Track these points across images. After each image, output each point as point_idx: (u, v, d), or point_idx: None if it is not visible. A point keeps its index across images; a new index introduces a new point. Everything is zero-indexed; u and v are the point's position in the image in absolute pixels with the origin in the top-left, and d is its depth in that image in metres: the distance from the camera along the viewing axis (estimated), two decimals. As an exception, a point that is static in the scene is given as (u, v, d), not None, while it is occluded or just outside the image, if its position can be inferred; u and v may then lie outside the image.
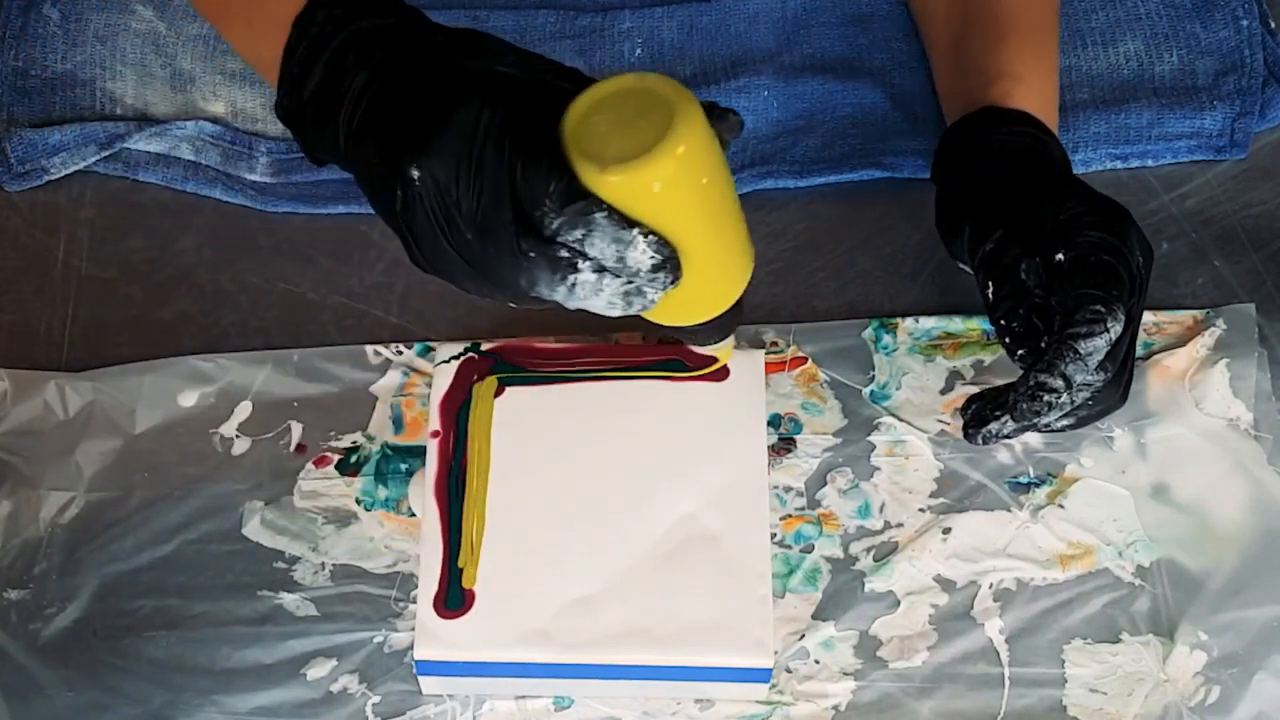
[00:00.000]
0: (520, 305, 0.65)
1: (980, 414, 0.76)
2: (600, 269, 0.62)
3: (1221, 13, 0.97)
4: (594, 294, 0.63)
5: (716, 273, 0.67)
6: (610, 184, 0.60)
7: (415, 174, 0.62)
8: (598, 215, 0.61)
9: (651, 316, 0.67)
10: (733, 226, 0.66)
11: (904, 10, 0.98)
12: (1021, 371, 0.75)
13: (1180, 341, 0.87)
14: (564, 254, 0.62)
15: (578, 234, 0.61)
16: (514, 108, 0.62)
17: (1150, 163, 0.94)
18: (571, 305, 0.64)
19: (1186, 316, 0.88)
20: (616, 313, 0.64)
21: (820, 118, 0.95)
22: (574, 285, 0.63)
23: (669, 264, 0.63)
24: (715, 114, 0.63)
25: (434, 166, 0.62)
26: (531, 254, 0.62)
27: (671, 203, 0.61)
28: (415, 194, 0.62)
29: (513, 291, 0.64)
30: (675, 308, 0.68)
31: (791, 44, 0.98)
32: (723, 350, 0.76)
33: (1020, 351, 0.77)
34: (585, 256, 0.62)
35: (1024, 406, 0.74)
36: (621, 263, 0.62)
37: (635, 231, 0.61)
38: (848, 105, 0.95)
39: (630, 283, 0.63)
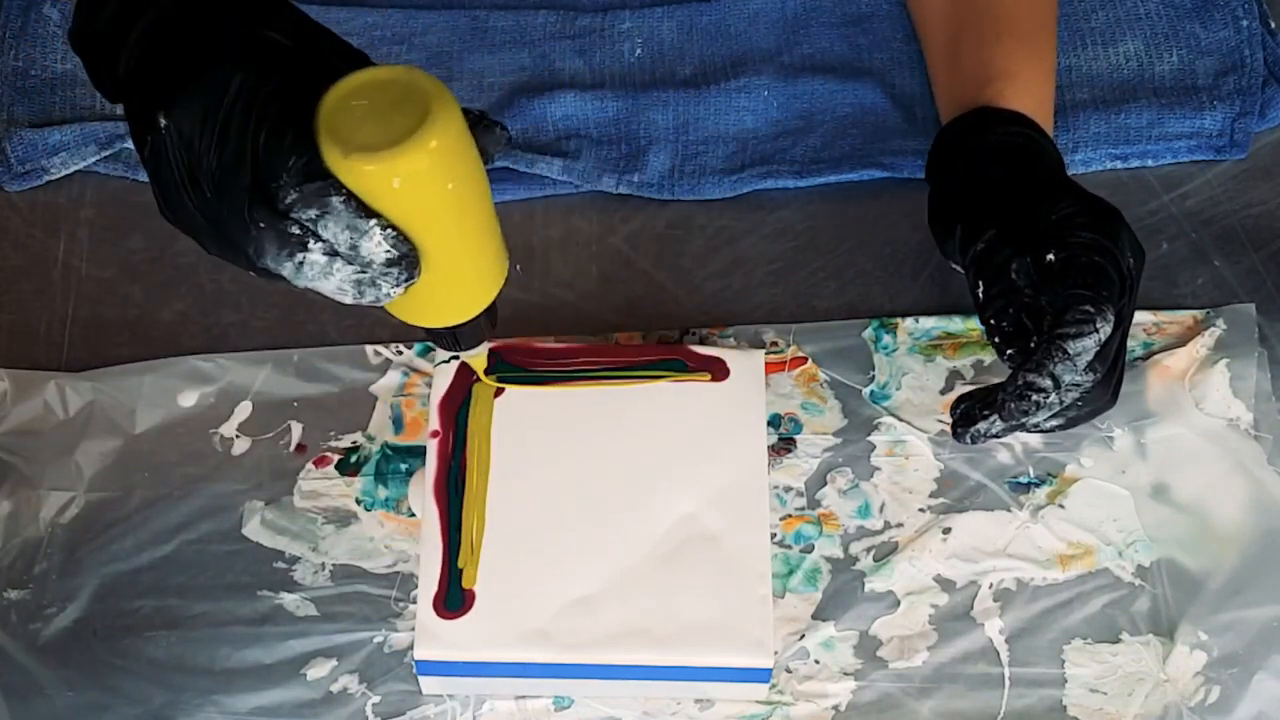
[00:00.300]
0: (257, 275, 0.64)
1: (969, 413, 0.76)
2: (332, 253, 0.61)
3: (1221, 13, 0.97)
4: (323, 276, 0.62)
5: (459, 279, 0.65)
6: (352, 170, 0.60)
7: (162, 122, 0.61)
8: (334, 199, 0.60)
9: (394, 312, 0.67)
10: (481, 236, 0.65)
11: (904, 10, 0.98)
12: (1011, 371, 0.75)
13: (1180, 341, 0.87)
14: (295, 230, 0.61)
15: (311, 213, 0.60)
16: (274, 76, 0.61)
17: (1150, 163, 0.94)
18: (300, 284, 0.63)
19: (1186, 316, 0.88)
20: (348, 300, 0.63)
21: (820, 118, 0.95)
22: (302, 263, 0.62)
23: (405, 261, 0.62)
24: (482, 124, 0.62)
25: (180, 118, 0.61)
26: (261, 224, 0.61)
27: (412, 200, 0.61)
28: (161, 143, 0.62)
29: (244, 259, 0.63)
30: (416, 307, 0.67)
31: (791, 44, 0.98)
32: (475, 360, 0.74)
33: (1010, 351, 0.77)
34: (318, 237, 0.61)
35: (1012, 406, 0.74)
36: (355, 251, 0.61)
37: (372, 222, 0.60)
38: (848, 105, 0.95)
39: (363, 272, 0.62)
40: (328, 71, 0.62)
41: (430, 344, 0.87)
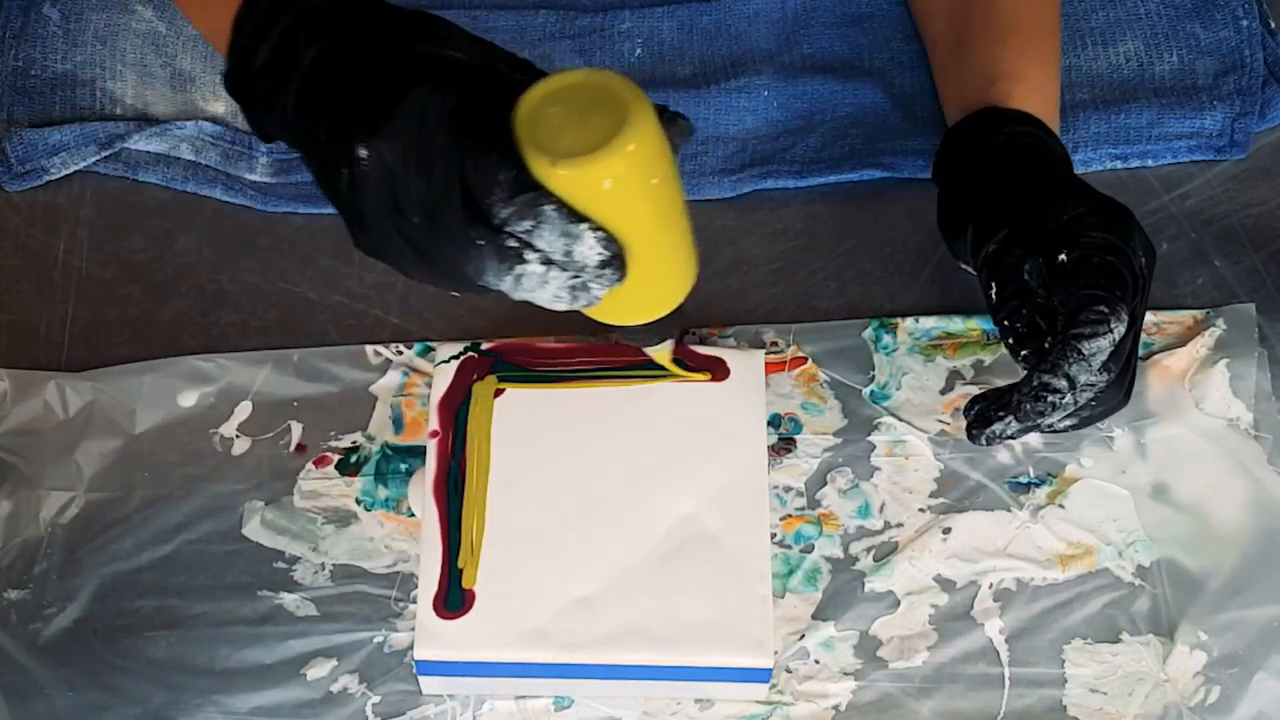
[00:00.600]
0: (464, 293, 0.65)
1: (984, 415, 0.76)
2: (547, 261, 0.62)
3: (1221, 13, 0.97)
4: (539, 286, 0.63)
5: (661, 274, 0.66)
6: (561, 177, 0.60)
7: (363, 154, 0.61)
8: (547, 208, 0.60)
9: (593, 314, 0.67)
10: (679, 230, 0.66)
11: (904, 10, 0.98)
12: (1024, 372, 0.75)
13: (1180, 341, 0.87)
14: (512, 244, 0.61)
15: (526, 225, 0.61)
16: (467, 94, 0.61)
17: (1150, 163, 0.94)
18: (516, 296, 0.63)
19: (1186, 316, 0.88)
20: (561, 307, 0.64)
21: (820, 118, 0.95)
22: (520, 276, 0.62)
23: (615, 261, 0.62)
24: (666, 116, 0.63)
25: (383, 148, 0.61)
26: (480, 242, 0.61)
27: (621, 200, 0.61)
28: (362, 174, 0.62)
29: (458, 279, 0.63)
30: (618, 306, 0.68)
31: (791, 44, 0.98)
32: (661, 353, 0.75)
33: (1024, 352, 0.77)
34: (533, 248, 0.62)
35: (1028, 407, 0.74)
36: (569, 257, 0.62)
37: (584, 226, 0.61)
38: (848, 105, 0.95)
39: (576, 277, 0.62)
40: (509, 82, 0.62)
41: (430, 344, 0.87)
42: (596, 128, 0.60)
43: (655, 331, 0.71)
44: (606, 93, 0.61)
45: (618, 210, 0.62)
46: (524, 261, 0.62)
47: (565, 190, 0.61)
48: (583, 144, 0.60)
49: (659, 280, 0.67)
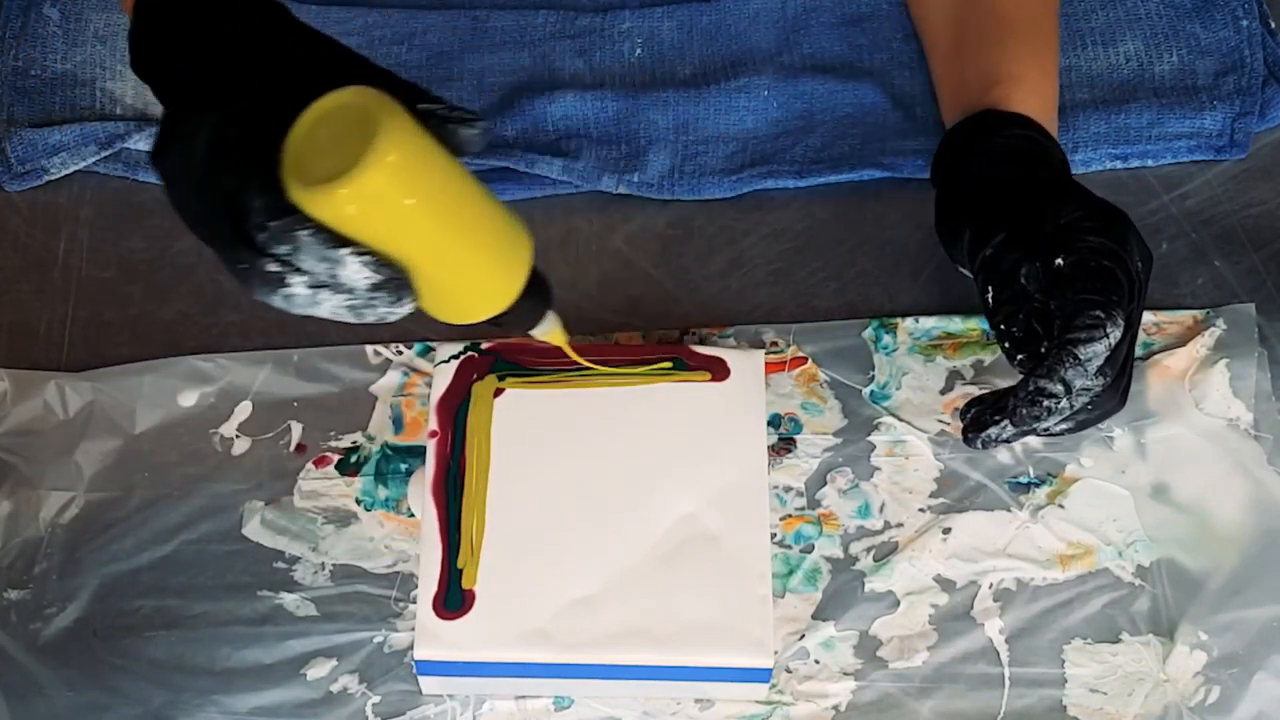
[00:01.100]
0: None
1: (979, 419, 0.76)
2: (318, 284, 0.61)
3: (1221, 13, 0.97)
4: (311, 305, 0.62)
5: (472, 276, 0.64)
6: (312, 202, 0.59)
7: (158, 170, 0.63)
8: (301, 233, 0.60)
9: (436, 315, 0.65)
10: (476, 232, 0.63)
11: (904, 10, 0.98)
12: (1021, 376, 0.75)
13: (1180, 341, 0.87)
14: (273, 267, 0.61)
15: (285, 249, 0.60)
16: (252, 118, 0.61)
17: (1150, 163, 0.94)
18: (295, 313, 0.63)
19: (1186, 316, 0.88)
20: (353, 321, 0.63)
21: (820, 118, 0.95)
22: (289, 297, 0.62)
23: (390, 284, 0.61)
24: (448, 125, 0.61)
25: (164, 169, 0.62)
26: (243, 264, 0.61)
27: (379, 222, 0.60)
28: (164, 186, 0.63)
29: (246, 293, 0.63)
30: (449, 308, 0.65)
31: (791, 44, 0.98)
32: (551, 335, 0.72)
33: (1020, 356, 0.77)
34: (299, 270, 0.61)
35: (1023, 411, 0.74)
36: (336, 279, 0.61)
37: (344, 251, 0.60)
38: (848, 105, 0.95)
39: (352, 298, 0.62)
40: (311, 96, 0.61)
41: (430, 344, 0.87)
42: (347, 152, 0.58)
43: (518, 321, 0.68)
44: (362, 113, 0.59)
45: (382, 231, 0.60)
46: (286, 285, 0.61)
47: (321, 215, 0.59)
48: (332, 168, 0.58)
49: (472, 281, 0.64)
